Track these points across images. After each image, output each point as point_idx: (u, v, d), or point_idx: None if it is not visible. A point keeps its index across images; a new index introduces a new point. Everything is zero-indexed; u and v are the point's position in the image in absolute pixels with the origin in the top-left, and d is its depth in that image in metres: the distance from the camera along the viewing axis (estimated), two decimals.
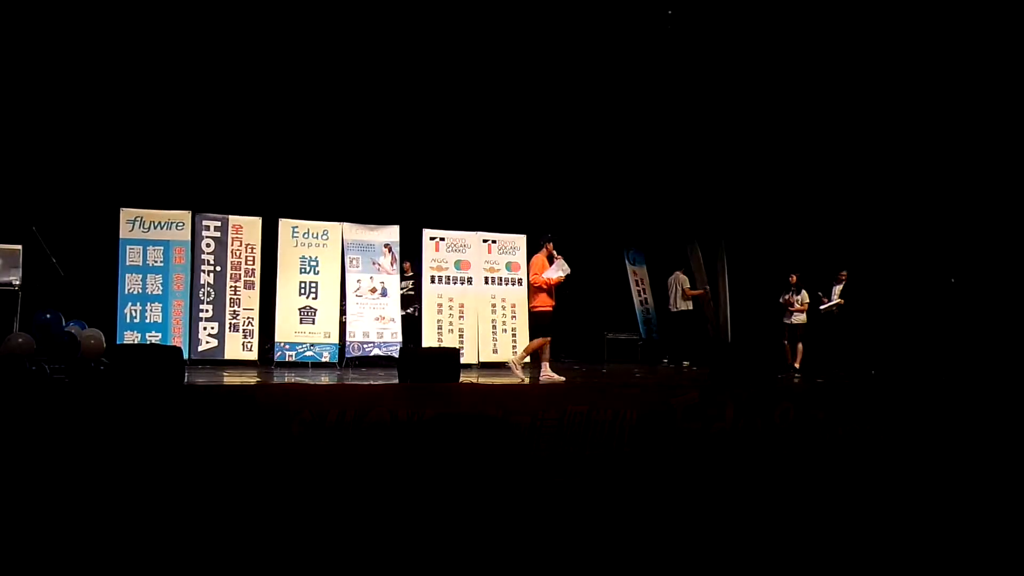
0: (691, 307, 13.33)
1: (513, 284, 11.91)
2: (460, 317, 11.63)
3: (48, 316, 8.49)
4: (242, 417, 6.48)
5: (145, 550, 3.61)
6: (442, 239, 11.73)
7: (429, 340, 11.35)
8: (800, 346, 12.72)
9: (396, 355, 11.26)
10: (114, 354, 7.91)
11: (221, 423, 6.32)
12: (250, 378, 9.59)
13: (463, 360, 11.22)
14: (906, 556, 2.99)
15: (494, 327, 11.75)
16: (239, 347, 11.00)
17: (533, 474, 4.76)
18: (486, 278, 11.82)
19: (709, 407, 7.72)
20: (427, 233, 11.69)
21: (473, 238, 11.87)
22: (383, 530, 3.62)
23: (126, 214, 10.89)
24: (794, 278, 12.80)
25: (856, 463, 4.89)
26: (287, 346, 11.10)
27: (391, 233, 11.84)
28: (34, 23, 11.36)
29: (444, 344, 11.33)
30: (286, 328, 11.13)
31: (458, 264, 11.72)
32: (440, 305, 11.56)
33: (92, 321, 9.30)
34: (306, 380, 9.25)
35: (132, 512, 4.04)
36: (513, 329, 11.81)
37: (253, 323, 11.02)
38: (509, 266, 11.94)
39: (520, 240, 12.07)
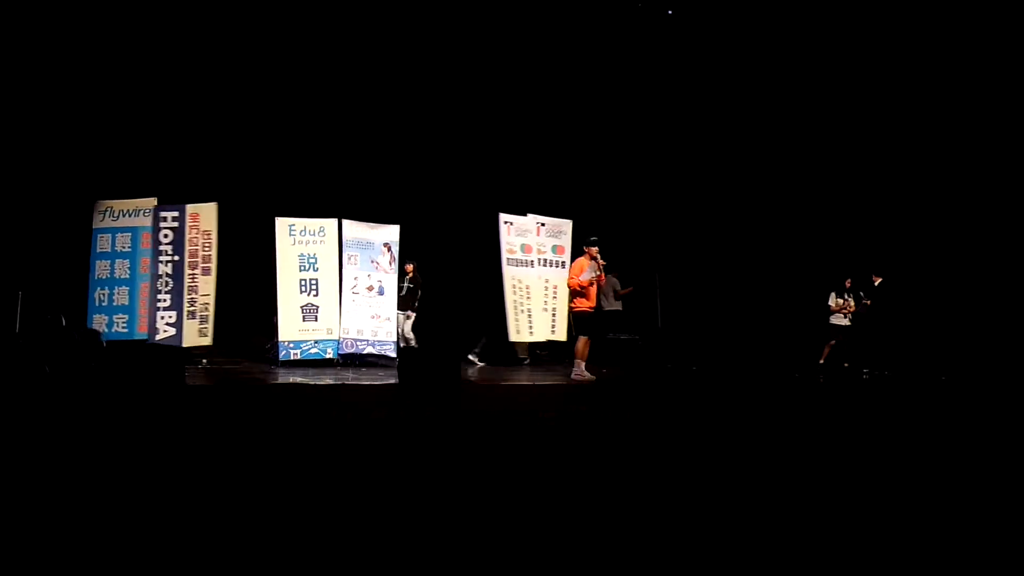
0: (621, 307, 13.58)
1: (556, 266, 12.11)
2: (527, 298, 11.85)
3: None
4: (242, 416, 6.49)
5: (145, 548, 3.62)
6: (511, 223, 11.90)
7: (510, 322, 11.62)
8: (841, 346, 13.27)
9: (389, 354, 11.25)
10: (114, 353, 7.92)
11: (221, 422, 6.32)
12: (245, 376, 9.60)
13: (532, 339, 11.79)
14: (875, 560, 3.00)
15: (544, 306, 12.08)
16: (196, 334, 10.94)
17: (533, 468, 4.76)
18: (537, 260, 12.07)
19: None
20: (502, 217, 11.83)
21: (530, 222, 12.03)
22: (385, 528, 3.63)
23: (102, 205, 11.06)
24: (849, 282, 13.21)
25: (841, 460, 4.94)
26: (291, 344, 11.07)
27: (391, 232, 11.79)
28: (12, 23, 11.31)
29: (519, 325, 11.56)
30: (290, 327, 11.08)
31: (523, 247, 11.96)
32: (515, 286, 11.72)
33: (64, 308, 9.38)
34: (307, 380, 9.26)
35: (131, 511, 4.04)
36: (553, 309, 12.02)
37: (209, 308, 11.00)
38: (555, 249, 12.14)
39: (567, 225, 12.26)
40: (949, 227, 13.42)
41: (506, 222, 11.77)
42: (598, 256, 9.94)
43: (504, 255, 11.70)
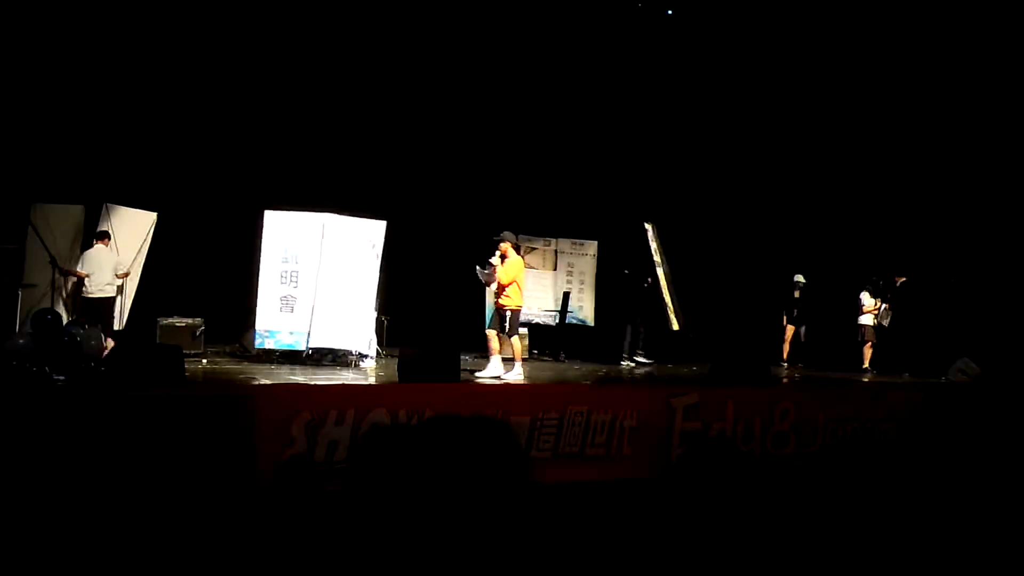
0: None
1: (659, 266, 13.64)
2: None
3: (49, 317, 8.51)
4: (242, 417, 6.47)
5: (145, 551, 3.62)
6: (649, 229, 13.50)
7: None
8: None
9: (363, 351, 11.04)
10: (116, 353, 7.93)
11: (220, 422, 6.30)
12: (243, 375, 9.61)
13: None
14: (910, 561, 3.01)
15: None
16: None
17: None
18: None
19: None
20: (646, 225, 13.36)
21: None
22: (382, 533, 3.64)
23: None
24: (880, 282, 13.16)
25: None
26: (267, 333, 10.88)
27: (377, 228, 11.38)
28: None
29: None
30: (266, 316, 10.87)
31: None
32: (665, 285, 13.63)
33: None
34: (305, 379, 9.27)
35: (132, 514, 4.05)
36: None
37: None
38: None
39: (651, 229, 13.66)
40: (967, 228, 13.37)
41: (646, 228, 13.28)
42: (501, 253, 9.84)
43: (654, 256, 13.32)
